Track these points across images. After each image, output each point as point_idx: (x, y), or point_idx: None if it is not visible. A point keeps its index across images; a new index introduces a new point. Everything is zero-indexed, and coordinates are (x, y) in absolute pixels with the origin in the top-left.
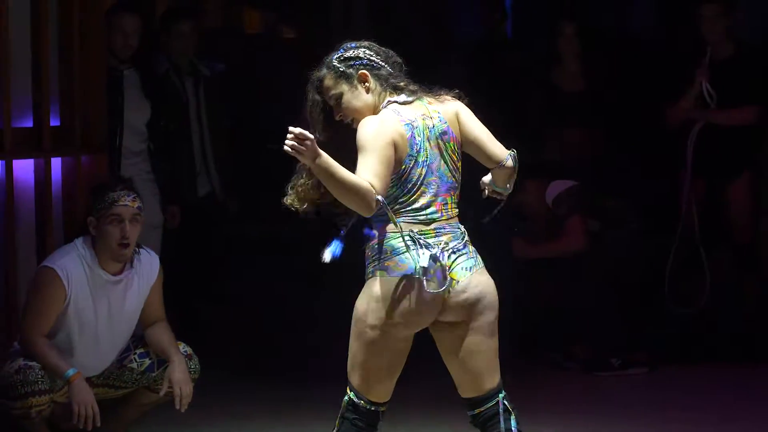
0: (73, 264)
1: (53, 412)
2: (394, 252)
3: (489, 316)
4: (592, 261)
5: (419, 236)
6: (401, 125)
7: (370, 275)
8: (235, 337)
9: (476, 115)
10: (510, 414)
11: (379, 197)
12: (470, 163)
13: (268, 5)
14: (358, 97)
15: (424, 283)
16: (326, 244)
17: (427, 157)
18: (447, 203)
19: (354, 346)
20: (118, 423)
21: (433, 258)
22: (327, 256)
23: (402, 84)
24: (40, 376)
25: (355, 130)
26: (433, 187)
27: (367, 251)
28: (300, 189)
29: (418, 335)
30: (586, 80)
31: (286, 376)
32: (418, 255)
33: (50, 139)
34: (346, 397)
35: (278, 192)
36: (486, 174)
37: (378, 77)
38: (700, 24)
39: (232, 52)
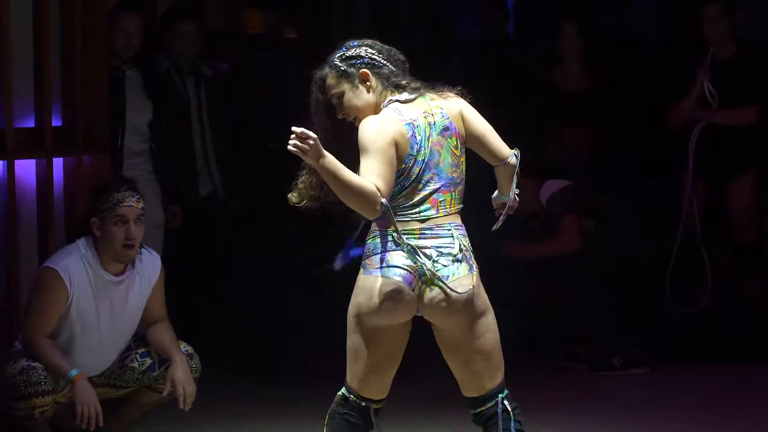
0: (75, 265)
1: (55, 412)
2: (374, 251)
3: (484, 317)
4: (588, 261)
5: (404, 235)
6: (402, 124)
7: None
8: (235, 336)
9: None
10: (509, 415)
11: (384, 200)
12: (476, 160)
13: (270, 5)
14: (359, 96)
15: (393, 283)
16: (337, 251)
17: (426, 155)
18: (445, 200)
19: (347, 343)
20: (120, 423)
21: (409, 261)
22: (338, 264)
23: (404, 82)
24: (43, 377)
25: (357, 129)
26: (430, 184)
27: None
28: (302, 186)
29: (419, 335)
30: (587, 80)
31: (286, 376)
32: (390, 257)
33: (52, 140)
34: (339, 392)
35: (279, 192)
36: (489, 174)
37: (379, 76)
38: (702, 24)
39: (233, 52)
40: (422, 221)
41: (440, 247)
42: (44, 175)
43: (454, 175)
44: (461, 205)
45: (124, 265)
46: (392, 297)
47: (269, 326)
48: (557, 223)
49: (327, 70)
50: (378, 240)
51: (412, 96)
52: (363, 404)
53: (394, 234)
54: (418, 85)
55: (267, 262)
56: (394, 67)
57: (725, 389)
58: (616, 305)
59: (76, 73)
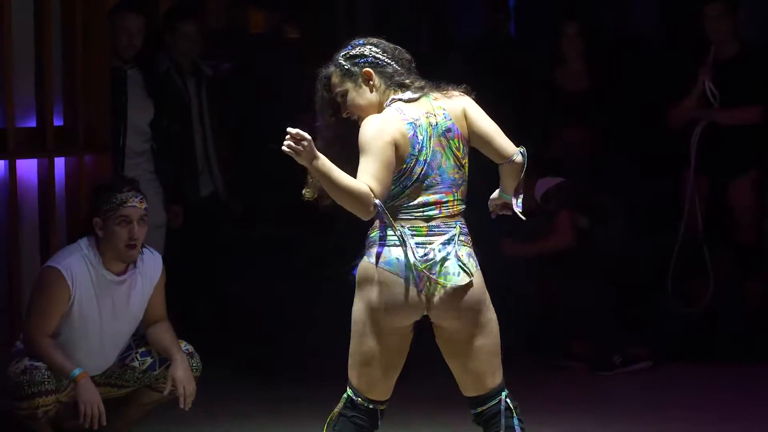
0: (77, 264)
1: (57, 411)
2: (380, 243)
3: (486, 316)
4: (584, 257)
5: (411, 233)
6: (403, 124)
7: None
8: (235, 336)
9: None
10: (512, 412)
11: (377, 201)
12: (475, 160)
13: (272, 5)
14: (362, 95)
15: (402, 281)
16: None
17: (428, 156)
18: (448, 201)
19: (351, 343)
20: (121, 423)
21: (416, 261)
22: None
23: (408, 81)
24: (46, 377)
25: None
26: (432, 184)
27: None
28: (313, 181)
29: (419, 336)
30: (589, 80)
31: (286, 376)
32: (397, 253)
33: (53, 139)
34: (344, 395)
35: (280, 192)
36: (492, 173)
37: (383, 75)
38: (704, 23)
39: (235, 52)
40: (426, 220)
41: (443, 246)
42: (46, 175)
43: (456, 176)
44: (464, 206)
45: (126, 264)
46: (399, 297)
47: (269, 326)
48: (553, 221)
49: (332, 68)
50: (380, 233)
51: (416, 95)
52: (371, 406)
53: (402, 230)
54: (422, 84)
55: (267, 262)
56: (399, 66)
57: (725, 388)
58: (616, 304)
59: (77, 72)
